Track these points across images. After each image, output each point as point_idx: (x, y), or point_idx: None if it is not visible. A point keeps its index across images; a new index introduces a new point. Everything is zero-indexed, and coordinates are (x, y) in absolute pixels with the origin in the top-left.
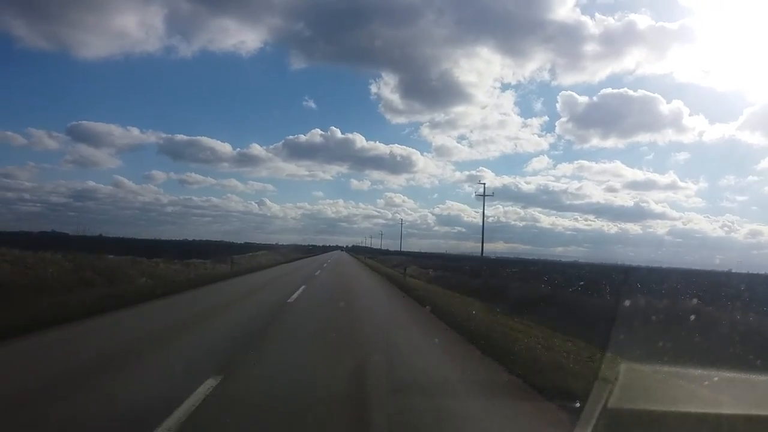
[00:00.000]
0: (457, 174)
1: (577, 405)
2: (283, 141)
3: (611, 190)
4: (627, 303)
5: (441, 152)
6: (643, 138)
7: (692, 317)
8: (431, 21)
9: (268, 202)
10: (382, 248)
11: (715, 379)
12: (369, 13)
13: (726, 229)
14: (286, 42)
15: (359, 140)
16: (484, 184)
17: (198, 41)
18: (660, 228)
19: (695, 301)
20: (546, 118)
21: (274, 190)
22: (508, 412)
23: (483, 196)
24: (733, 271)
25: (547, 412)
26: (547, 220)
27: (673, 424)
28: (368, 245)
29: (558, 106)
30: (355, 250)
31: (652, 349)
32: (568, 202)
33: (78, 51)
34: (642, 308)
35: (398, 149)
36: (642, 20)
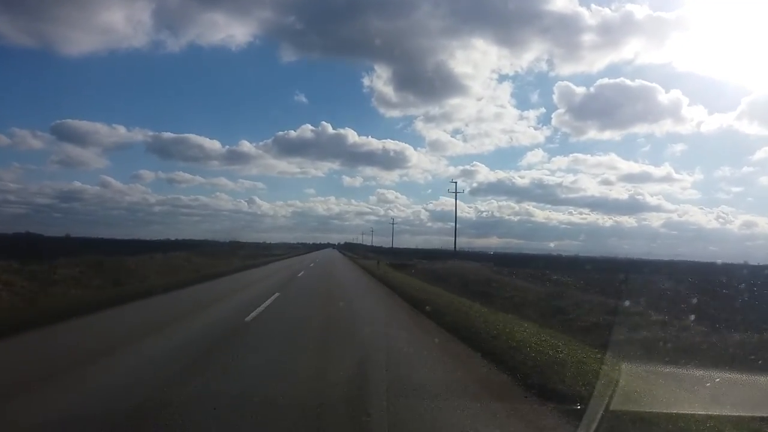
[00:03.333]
0: (451, 169)
1: (579, 407)
2: (273, 137)
3: (606, 183)
4: None
5: (435, 147)
6: (640, 129)
7: None
8: (426, 11)
9: (258, 200)
10: (394, 246)
11: (717, 380)
12: (362, 4)
13: (721, 220)
14: (276, 35)
15: (351, 135)
16: None
17: (186, 36)
18: (655, 220)
19: None
20: (543, 109)
21: (265, 188)
22: None
23: None
24: (757, 264)
25: None
26: (541, 214)
27: (675, 425)
28: (361, 242)
29: (555, 97)
30: (349, 248)
31: None
32: (563, 196)
33: (62, 47)
34: None
35: (391, 144)
36: (640, 9)
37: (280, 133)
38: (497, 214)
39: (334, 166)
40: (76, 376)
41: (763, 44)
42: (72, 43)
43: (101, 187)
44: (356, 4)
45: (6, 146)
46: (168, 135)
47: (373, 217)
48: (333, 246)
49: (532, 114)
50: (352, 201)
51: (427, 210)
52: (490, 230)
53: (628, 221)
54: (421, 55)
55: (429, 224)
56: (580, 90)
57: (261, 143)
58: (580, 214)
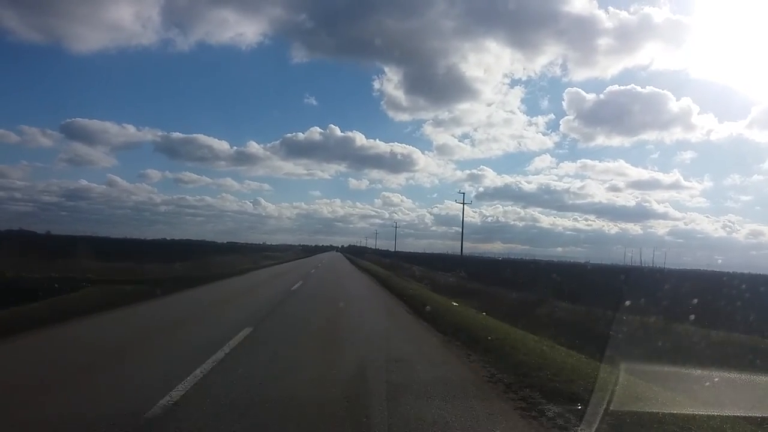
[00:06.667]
0: (458, 173)
1: (579, 407)
2: (281, 139)
3: (614, 189)
4: None
5: (442, 151)
6: (649, 136)
7: None
8: (439, 12)
9: (263, 201)
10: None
11: (716, 379)
12: (374, 4)
13: (727, 229)
14: (287, 34)
15: (359, 138)
16: None
17: (195, 34)
18: (661, 228)
19: None
20: (552, 116)
21: (271, 190)
22: None
23: None
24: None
25: None
26: (546, 220)
27: (676, 426)
28: (373, 245)
29: (564, 103)
30: (355, 252)
31: None
32: (570, 202)
33: (72, 44)
34: None
35: (399, 148)
36: (659, 13)
37: (288, 134)
38: (502, 219)
39: (341, 168)
40: None
41: None
42: (82, 40)
43: (108, 186)
44: (369, 3)
45: (15, 143)
46: (177, 135)
47: (377, 221)
48: (336, 249)
49: (541, 120)
50: (358, 204)
51: (431, 213)
52: (494, 235)
53: (634, 228)
54: (433, 57)
55: (433, 228)
56: (590, 96)
57: (269, 144)
58: (586, 220)
